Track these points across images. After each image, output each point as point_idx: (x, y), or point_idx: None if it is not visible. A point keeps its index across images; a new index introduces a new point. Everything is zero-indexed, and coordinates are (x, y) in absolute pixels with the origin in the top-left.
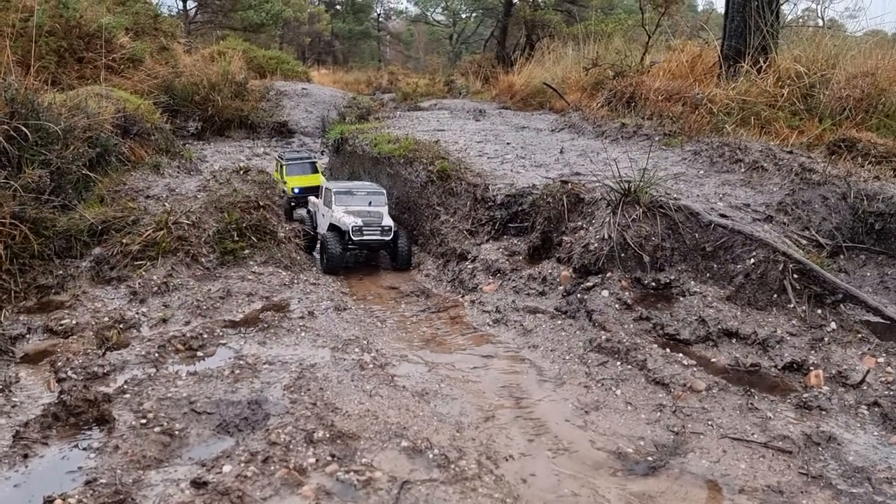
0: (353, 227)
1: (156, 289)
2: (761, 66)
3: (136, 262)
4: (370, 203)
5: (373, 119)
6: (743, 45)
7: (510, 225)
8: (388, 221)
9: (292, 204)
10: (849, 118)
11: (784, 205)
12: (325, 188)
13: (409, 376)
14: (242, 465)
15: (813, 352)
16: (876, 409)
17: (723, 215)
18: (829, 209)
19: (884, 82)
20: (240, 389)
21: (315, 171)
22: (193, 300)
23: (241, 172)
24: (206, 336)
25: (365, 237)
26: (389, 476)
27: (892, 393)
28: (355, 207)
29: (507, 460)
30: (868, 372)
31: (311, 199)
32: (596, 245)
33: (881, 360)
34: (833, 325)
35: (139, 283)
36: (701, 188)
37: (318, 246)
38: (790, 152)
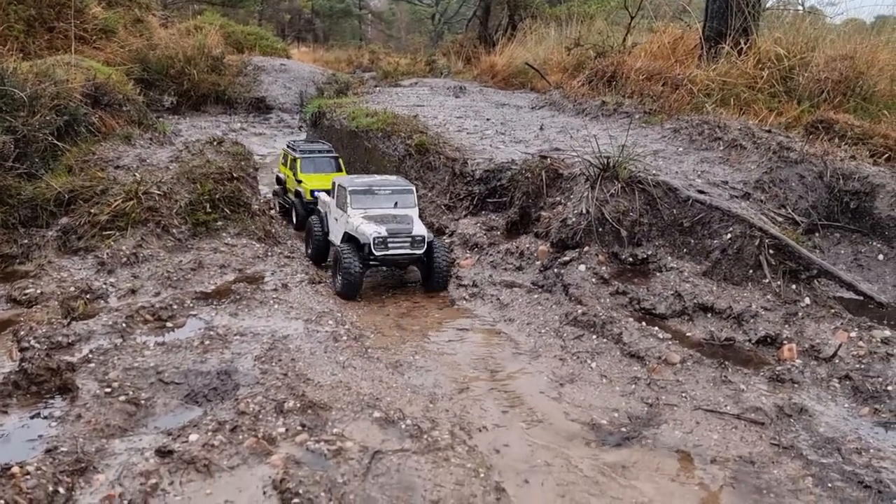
0: (374, 239)
1: (125, 259)
2: (742, 48)
3: (104, 233)
4: (396, 204)
5: (351, 94)
6: (724, 27)
7: (488, 200)
8: (420, 229)
9: (309, 208)
10: (827, 100)
11: (762, 182)
12: (339, 186)
13: (384, 348)
14: (210, 434)
15: (787, 326)
16: (847, 383)
17: (701, 191)
18: (806, 187)
19: (862, 65)
20: (209, 360)
21: (339, 168)
22: (164, 271)
23: (215, 143)
24: (175, 307)
25: (390, 251)
26: (361, 446)
27: (862, 367)
28: (377, 211)
29: (480, 431)
30: (840, 346)
31: (322, 196)
32: (574, 220)
33: (853, 334)
34: (807, 300)
35: (107, 254)
36: (680, 165)
37: (331, 260)
38: (769, 131)
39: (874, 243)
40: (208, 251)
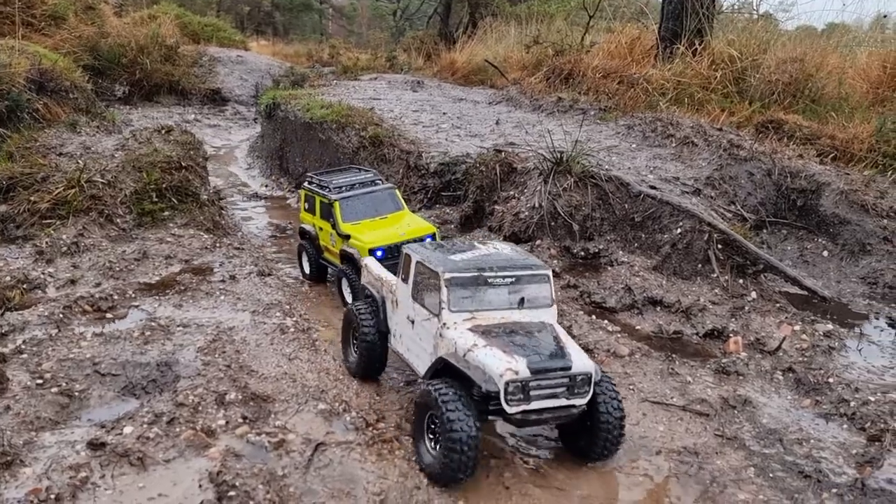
0: (509, 385)
1: (65, 249)
2: (696, 49)
3: (44, 221)
4: (522, 302)
5: (308, 87)
6: (679, 28)
7: (443, 193)
8: (580, 359)
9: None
10: (777, 101)
11: (712, 179)
12: (417, 264)
13: (332, 341)
14: (145, 426)
15: (733, 320)
16: (790, 375)
17: (652, 187)
18: (755, 185)
19: (811, 68)
20: (149, 351)
21: (400, 205)
22: (106, 261)
23: (164, 132)
24: (116, 298)
25: (533, 404)
26: (304, 438)
27: (805, 359)
28: (495, 316)
29: None
30: (784, 339)
31: (371, 266)
32: (526, 213)
33: (797, 327)
34: (754, 294)
35: (46, 243)
36: (633, 161)
37: (415, 412)
38: (720, 130)
39: (819, 240)
40: (154, 241)
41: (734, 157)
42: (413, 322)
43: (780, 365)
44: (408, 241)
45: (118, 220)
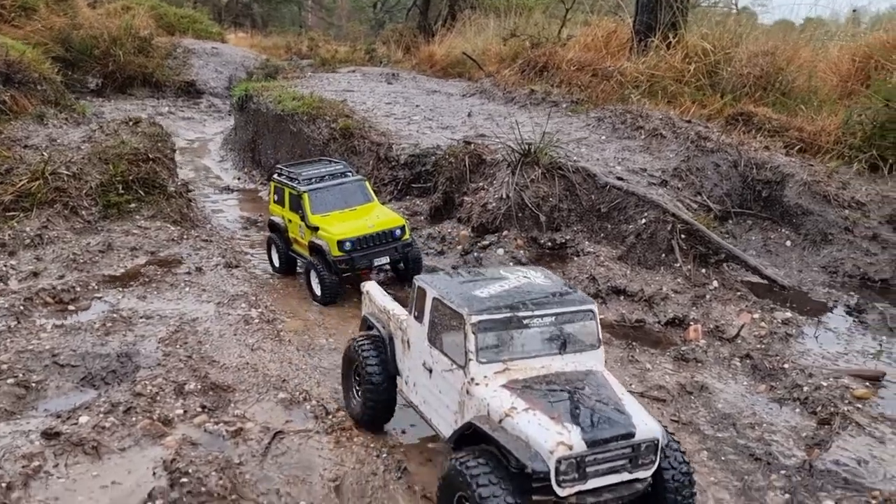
0: (562, 461)
1: (28, 241)
2: (671, 43)
3: (7, 213)
4: (564, 346)
5: (281, 78)
6: (654, 21)
7: (413, 185)
8: (642, 419)
9: (341, 272)
10: (748, 94)
11: (679, 170)
12: (437, 302)
13: (297, 331)
14: (101, 415)
15: (694, 308)
16: (747, 361)
17: (619, 178)
18: (721, 176)
19: (782, 62)
20: (110, 342)
21: (367, 197)
22: (70, 253)
23: (131, 124)
24: (79, 290)
25: (590, 482)
26: (262, 427)
27: (763, 346)
28: (534, 366)
29: None
30: (742, 327)
31: (375, 294)
32: (494, 204)
33: (756, 315)
34: (715, 283)
35: (9, 235)
36: (602, 153)
37: (441, 490)
38: (688, 122)
39: (783, 230)
40: (119, 233)
41: (701, 149)
42: (431, 371)
43: (737, 352)
44: (377, 233)
45: (83, 213)
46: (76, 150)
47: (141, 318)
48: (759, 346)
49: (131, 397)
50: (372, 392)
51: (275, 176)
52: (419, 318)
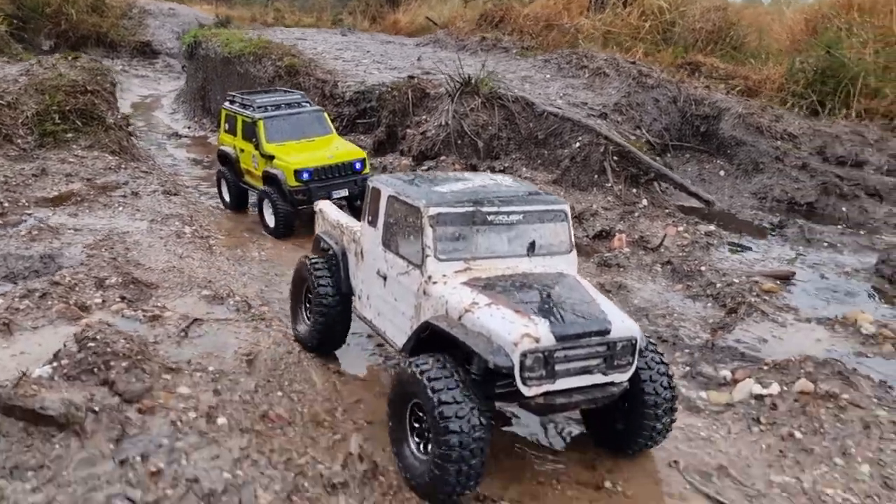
0: (527, 356)
1: None
2: (627, 1)
3: None
4: (532, 248)
5: (232, 27)
6: None
7: (358, 121)
8: (619, 318)
9: (297, 205)
10: (700, 48)
11: (620, 105)
12: (392, 201)
13: (230, 248)
14: (17, 300)
15: (622, 222)
16: (668, 267)
17: (557, 108)
18: (661, 111)
19: (733, 17)
20: (35, 247)
21: (326, 129)
22: (1, 176)
23: (70, 59)
24: (7, 205)
25: (560, 383)
26: (182, 315)
27: (684, 254)
28: (498, 266)
29: None
30: (665, 236)
31: (328, 211)
32: (433, 132)
33: (681, 228)
34: (645, 201)
35: None
36: (546, 90)
37: (392, 400)
38: (632, 62)
39: (717, 161)
40: (55, 161)
41: (642, 85)
42: (385, 278)
43: (659, 259)
44: (336, 165)
45: (18, 141)
46: (13, 83)
47: (69, 229)
48: (680, 254)
49: (49, 286)
50: (323, 312)
51: (226, 104)
52: (373, 222)
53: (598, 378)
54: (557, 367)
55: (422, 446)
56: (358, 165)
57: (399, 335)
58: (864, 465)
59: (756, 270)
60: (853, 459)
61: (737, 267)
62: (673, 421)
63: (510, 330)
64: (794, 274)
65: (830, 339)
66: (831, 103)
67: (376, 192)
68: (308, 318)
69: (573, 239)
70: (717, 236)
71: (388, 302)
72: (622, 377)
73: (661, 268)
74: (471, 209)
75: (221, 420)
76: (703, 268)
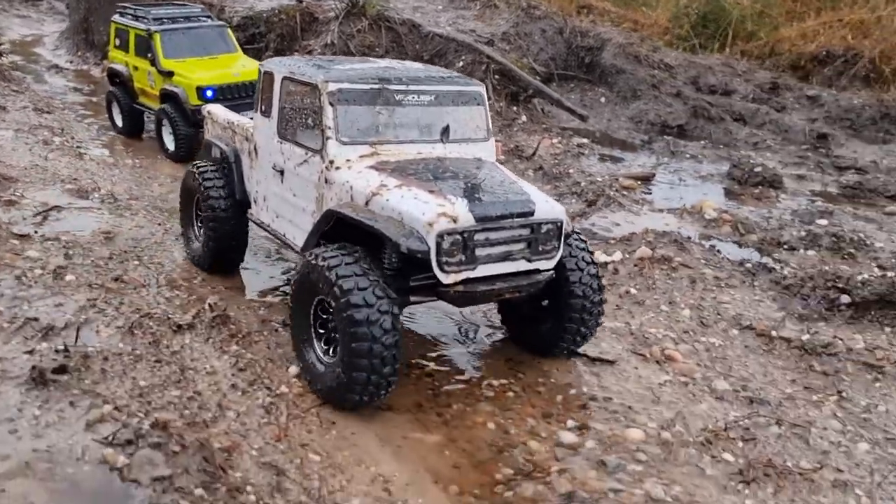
0: (444, 237)
1: None
2: None
3: None
4: (446, 133)
5: None
6: None
7: (247, 47)
8: (542, 200)
9: (200, 125)
10: None
11: (507, 35)
12: (287, 82)
13: (100, 154)
14: None
15: (500, 135)
16: (539, 171)
17: (442, 29)
18: (547, 41)
19: None
20: None
21: (230, 47)
22: None
23: None
24: None
25: (480, 268)
26: (41, 202)
27: (556, 161)
28: (407, 150)
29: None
30: (539, 145)
31: (217, 113)
32: (319, 51)
33: (555, 140)
34: (524, 118)
35: None
36: (437, 20)
37: (294, 299)
38: None
39: (599, 89)
40: None
41: (530, 16)
42: (283, 173)
43: (532, 166)
44: (243, 84)
45: None
46: None
47: None
48: (553, 161)
49: None
50: (216, 226)
51: (116, 17)
52: (266, 111)
53: (521, 265)
54: (478, 252)
55: (328, 350)
56: None
57: (300, 235)
58: (685, 310)
59: (620, 173)
60: (677, 307)
61: (603, 171)
62: (602, 315)
63: (424, 210)
64: (654, 176)
65: (678, 223)
66: (711, 46)
67: (269, 77)
68: (199, 235)
69: (490, 125)
70: (588, 147)
71: (286, 200)
72: (547, 265)
73: (534, 173)
74: (376, 86)
75: (70, 277)
76: (571, 171)
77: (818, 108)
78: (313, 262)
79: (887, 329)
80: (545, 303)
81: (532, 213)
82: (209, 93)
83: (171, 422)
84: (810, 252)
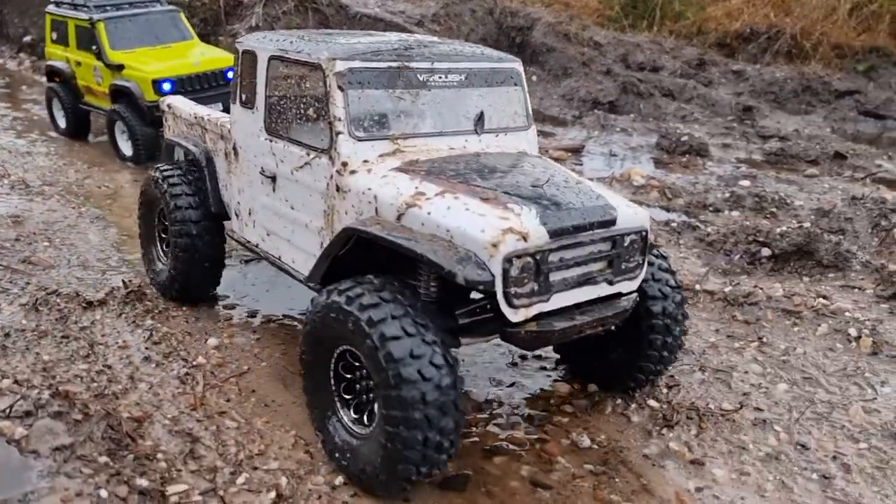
0: (513, 260)
1: None
2: None
3: None
4: (480, 122)
5: None
6: None
7: None
8: (622, 204)
9: (160, 123)
10: None
11: (438, 16)
12: (270, 55)
13: (14, 143)
14: None
15: None
16: None
17: (370, 10)
18: (478, 21)
19: None
20: None
21: (185, 34)
22: None
23: None
24: None
25: (555, 300)
26: None
27: None
28: (433, 143)
29: (100, 188)
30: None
31: (180, 106)
32: (244, 34)
33: None
34: None
35: None
36: (365, 1)
37: (305, 353)
38: None
39: (530, 69)
40: None
41: None
42: (274, 179)
43: None
44: (205, 73)
45: None
46: None
47: None
48: None
49: None
50: (186, 244)
51: (51, 7)
52: (248, 102)
53: (602, 289)
54: (552, 278)
55: (359, 417)
56: (230, 74)
57: (302, 258)
58: None
59: (551, 145)
60: None
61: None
62: (682, 347)
63: (483, 225)
64: (583, 147)
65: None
66: (640, 25)
67: (250, 57)
68: (163, 255)
69: (531, 110)
70: None
71: (281, 213)
72: (631, 286)
73: None
74: (396, 64)
75: None
76: None
77: (743, 83)
78: (336, 299)
79: (805, 278)
80: (613, 327)
81: (614, 222)
82: (167, 86)
83: (76, 393)
84: (734, 213)
